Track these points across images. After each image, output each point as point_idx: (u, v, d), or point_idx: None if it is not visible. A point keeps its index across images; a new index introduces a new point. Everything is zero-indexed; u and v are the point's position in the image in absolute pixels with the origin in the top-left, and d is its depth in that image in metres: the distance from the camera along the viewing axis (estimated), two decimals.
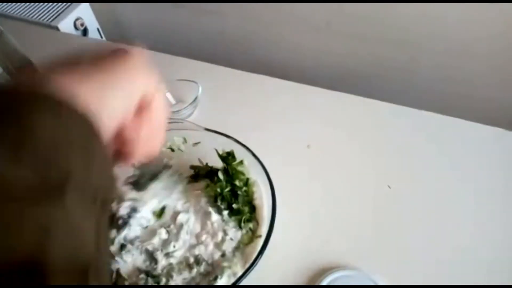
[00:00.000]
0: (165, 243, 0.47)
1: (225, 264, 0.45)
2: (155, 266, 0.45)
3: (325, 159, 0.60)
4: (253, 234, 0.48)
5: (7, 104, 0.19)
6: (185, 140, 0.54)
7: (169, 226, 0.49)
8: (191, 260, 0.46)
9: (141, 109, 0.28)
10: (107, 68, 0.25)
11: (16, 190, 0.17)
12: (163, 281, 0.44)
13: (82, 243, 0.19)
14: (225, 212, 0.49)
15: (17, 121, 0.18)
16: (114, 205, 0.48)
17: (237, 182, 0.50)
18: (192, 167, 0.55)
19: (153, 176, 0.47)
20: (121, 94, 0.25)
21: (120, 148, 0.29)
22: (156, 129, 0.30)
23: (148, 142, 0.30)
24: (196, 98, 0.65)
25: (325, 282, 0.46)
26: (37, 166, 0.18)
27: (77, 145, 0.20)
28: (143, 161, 0.34)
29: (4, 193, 0.17)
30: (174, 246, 0.47)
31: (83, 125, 0.21)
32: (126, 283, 0.44)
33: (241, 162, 0.50)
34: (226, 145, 0.52)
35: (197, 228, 0.49)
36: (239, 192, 0.50)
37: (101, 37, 1.12)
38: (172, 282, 0.44)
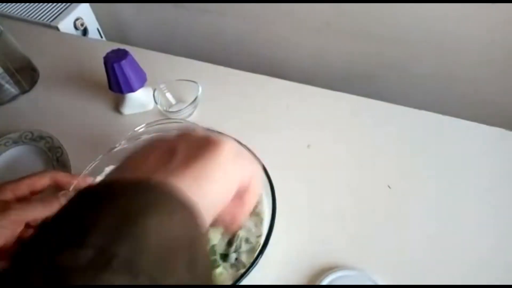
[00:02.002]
0: None
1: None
2: None
3: (325, 159, 0.60)
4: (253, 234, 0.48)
5: (117, 204, 0.20)
6: None
7: None
8: None
9: (240, 194, 0.29)
10: (201, 164, 0.26)
11: None
12: None
13: None
14: None
15: (130, 230, 0.18)
16: None
17: None
18: None
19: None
20: (217, 187, 0.26)
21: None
22: (250, 208, 0.31)
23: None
24: (196, 98, 0.65)
25: (325, 282, 0.46)
26: (151, 275, 0.18)
27: (183, 246, 0.20)
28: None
29: None
30: None
31: (190, 220, 0.21)
32: None
33: None
34: None
35: None
36: None
37: (101, 37, 1.12)
38: None
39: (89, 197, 0.21)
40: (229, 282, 0.43)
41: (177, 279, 0.19)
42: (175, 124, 0.55)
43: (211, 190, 0.25)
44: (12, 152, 0.64)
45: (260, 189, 0.32)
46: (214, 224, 0.27)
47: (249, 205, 0.30)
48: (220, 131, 0.53)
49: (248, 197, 0.30)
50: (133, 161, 0.26)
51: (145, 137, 0.55)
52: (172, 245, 0.20)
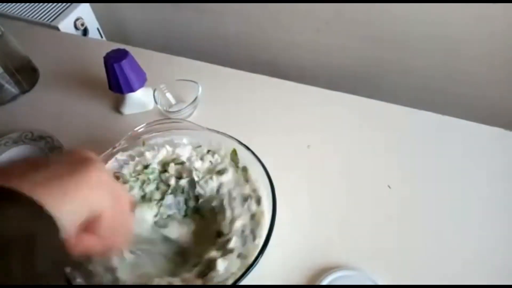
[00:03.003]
0: None
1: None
2: None
3: (325, 159, 0.60)
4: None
5: None
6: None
7: None
8: None
9: (90, 223, 0.30)
10: (63, 178, 0.28)
11: None
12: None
13: None
14: None
15: None
16: None
17: None
18: None
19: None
20: (72, 205, 0.27)
21: None
22: (103, 243, 0.32)
23: (98, 249, 0.33)
24: (196, 98, 0.65)
25: (325, 282, 0.46)
26: None
27: (18, 241, 0.22)
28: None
29: None
30: None
31: (29, 216, 0.23)
32: None
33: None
34: (227, 145, 0.52)
35: None
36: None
37: (101, 37, 1.12)
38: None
39: None
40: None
41: (7, 273, 0.21)
42: (175, 124, 0.55)
43: (60, 207, 0.26)
44: (12, 152, 0.64)
45: (109, 232, 0.32)
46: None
47: (87, 241, 0.31)
48: (220, 130, 0.53)
49: (90, 232, 0.30)
50: (6, 166, 0.28)
51: (144, 136, 0.55)
52: (7, 235, 0.21)
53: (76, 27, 1.02)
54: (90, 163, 0.30)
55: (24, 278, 0.22)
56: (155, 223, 0.50)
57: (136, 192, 0.50)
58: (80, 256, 0.31)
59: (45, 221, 0.24)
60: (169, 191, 0.51)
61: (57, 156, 0.31)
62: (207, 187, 0.50)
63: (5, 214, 0.22)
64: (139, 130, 0.54)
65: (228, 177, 0.51)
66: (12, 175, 0.26)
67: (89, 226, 0.30)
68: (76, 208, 0.28)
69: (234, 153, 0.52)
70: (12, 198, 0.23)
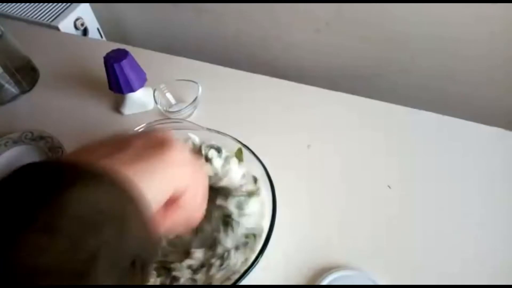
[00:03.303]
0: None
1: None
2: None
3: (325, 159, 0.60)
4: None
5: (48, 178, 0.21)
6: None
7: None
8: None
9: (171, 201, 0.30)
10: (149, 159, 0.28)
11: (47, 274, 0.18)
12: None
13: None
14: None
15: (55, 199, 0.20)
16: None
17: None
18: None
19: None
20: (159, 184, 0.28)
21: None
22: (184, 220, 0.33)
23: (176, 229, 0.34)
24: (196, 98, 0.65)
25: (325, 282, 0.46)
26: (65, 248, 0.19)
27: (110, 215, 0.22)
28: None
29: (34, 278, 0.18)
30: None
31: (119, 193, 0.23)
32: None
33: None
34: (227, 145, 0.52)
35: None
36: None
37: (101, 37, 1.12)
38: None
39: (30, 175, 0.22)
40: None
41: (101, 240, 0.20)
42: (175, 124, 0.55)
43: (149, 186, 0.26)
44: (12, 152, 0.64)
45: (191, 210, 0.33)
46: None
47: (173, 216, 0.31)
48: (220, 130, 0.53)
49: (174, 209, 0.31)
50: (87, 147, 0.28)
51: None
52: (97, 215, 0.21)
53: (76, 27, 1.02)
54: (171, 143, 0.30)
55: (116, 250, 0.21)
56: None
57: None
58: (165, 233, 0.32)
59: (134, 200, 0.24)
60: None
61: (138, 135, 0.31)
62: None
63: (96, 193, 0.22)
64: (139, 130, 0.54)
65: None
66: (99, 154, 0.26)
67: (171, 202, 0.30)
68: (163, 187, 0.28)
69: (239, 151, 0.52)
70: (102, 177, 0.23)
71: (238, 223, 0.45)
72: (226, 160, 0.49)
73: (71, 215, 0.20)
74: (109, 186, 0.22)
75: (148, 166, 0.27)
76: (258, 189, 0.48)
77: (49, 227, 0.19)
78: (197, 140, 0.51)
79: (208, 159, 0.48)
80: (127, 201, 0.23)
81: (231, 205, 0.46)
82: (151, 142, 0.30)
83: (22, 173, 0.22)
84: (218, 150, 0.50)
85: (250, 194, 0.47)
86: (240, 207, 0.46)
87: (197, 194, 0.33)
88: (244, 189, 0.47)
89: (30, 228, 0.19)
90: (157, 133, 0.32)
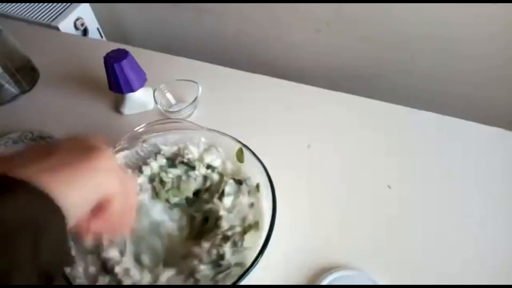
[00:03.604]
0: None
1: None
2: None
3: (325, 159, 0.60)
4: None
5: None
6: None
7: None
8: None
9: (99, 208, 0.30)
10: (73, 165, 0.28)
11: None
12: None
13: None
14: None
15: None
16: None
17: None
18: None
19: None
20: (82, 191, 0.27)
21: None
22: (111, 227, 0.34)
23: (106, 232, 0.35)
24: (196, 98, 0.65)
25: (325, 282, 0.46)
26: None
27: (25, 227, 0.22)
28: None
29: None
30: None
31: (35, 204, 0.23)
32: None
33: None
34: (227, 145, 0.52)
35: None
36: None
37: (101, 37, 1.12)
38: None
39: None
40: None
41: (15, 257, 0.21)
42: (175, 124, 0.55)
43: (71, 194, 0.26)
44: None
45: (117, 217, 0.33)
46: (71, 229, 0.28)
47: (100, 222, 0.31)
48: (220, 130, 0.53)
49: (102, 215, 0.31)
50: (6, 156, 0.28)
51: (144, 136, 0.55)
52: (12, 228, 0.21)
53: (76, 27, 1.02)
54: (99, 150, 0.30)
55: (29, 268, 0.21)
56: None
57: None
58: (89, 241, 0.33)
59: (49, 210, 0.23)
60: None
61: (64, 142, 0.30)
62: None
63: (7, 204, 0.21)
64: (139, 130, 0.54)
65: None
66: (16, 163, 0.26)
67: (98, 210, 0.30)
68: (85, 195, 0.28)
69: (240, 151, 0.52)
70: (14, 187, 0.22)
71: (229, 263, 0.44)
72: (236, 194, 0.49)
73: None
74: (25, 196, 0.22)
75: (71, 173, 0.27)
76: (257, 223, 0.46)
77: None
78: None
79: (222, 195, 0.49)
80: (42, 212, 0.23)
81: (226, 246, 0.44)
82: (77, 149, 0.30)
83: None
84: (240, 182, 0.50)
85: (247, 229, 0.46)
86: (235, 245, 0.45)
87: (126, 202, 0.33)
88: (245, 223, 0.46)
89: None
90: (84, 139, 0.32)
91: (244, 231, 0.46)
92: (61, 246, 0.25)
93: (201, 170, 0.52)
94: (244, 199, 0.48)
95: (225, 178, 0.51)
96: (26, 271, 0.21)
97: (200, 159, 0.52)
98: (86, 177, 0.28)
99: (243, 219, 0.47)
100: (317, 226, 0.53)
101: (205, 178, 0.52)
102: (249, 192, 0.49)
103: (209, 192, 0.51)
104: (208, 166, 0.52)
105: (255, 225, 0.46)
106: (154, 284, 0.43)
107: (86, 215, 0.29)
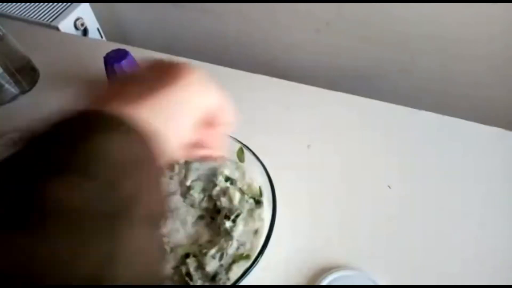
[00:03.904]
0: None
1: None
2: None
3: (325, 159, 0.60)
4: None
5: (74, 127, 0.21)
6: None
7: None
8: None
9: (206, 124, 0.28)
10: (165, 88, 0.25)
11: (83, 216, 0.17)
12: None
13: (147, 266, 0.20)
14: None
15: (83, 145, 0.19)
16: None
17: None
18: None
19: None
20: (181, 114, 0.25)
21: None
22: (219, 141, 0.32)
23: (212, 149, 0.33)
24: None
25: (325, 282, 0.46)
26: (103, 190, 0.18)
27: (141, 167, 0.20)
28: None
29: (71, 219, 0.17)
30: None
31: (146, 147, 0.21)
32: None
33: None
34: (227, 145, 0.52)
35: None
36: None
37: (101, 37, 1.12)
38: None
39: (62, 126, 0.22)
40: None
41: (137, 184, 0.19)
42: None
43: (176, 119, 0.24)
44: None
45: (229, 117, 0.32)
46: (192, 154, 0.27)
47: (220, 131, 0.31)
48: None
49: (218, 123, 0.30)
50: (100, 90, 0.26)
51: None
52: (129, 164, 0.20)
53: (76, 27, 1.02)
54: (185, 67, 0.28)
55: (150, 206, 0.20)
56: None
57: None
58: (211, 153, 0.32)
59: (155, 149, 0.21)
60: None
61: (147, 69, 0.28)
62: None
63: (124, 141, 0.20)
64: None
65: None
66: (106, 96, 0.24)
67: (208, 126, 0.29)
68: (186, 119, 0.26)
69: (240, 151, 0.52)
70: (124, 125, 0.21)
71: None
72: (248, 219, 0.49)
73: (104, 159, 0.19)
74: (131, 133, 0.21)
75: (167, 97, 0.24)
76: (248, 255, 0.45)
77: (83, 170, 0.18)
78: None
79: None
80: (153, 156, 0.21)
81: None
82: (161, 71, 0.27)
83: (56, 125, 0.22)
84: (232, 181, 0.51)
85: (237, 259, 0.45)
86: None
87: (229, 112, 0.31)
88: (239, 251, 0.46)
89: (64, 172, 0.18)
90: (165, 61, 0.29)
91: (234, 261, 0.45)
92: (162, 191, 0.22)
93: (221, 184, 0.50)
94: (253, 225, 0.47)
95: (246, 197, 0.49)
96: (144, 209, 0.19)
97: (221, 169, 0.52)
98: (182, 97, 0.25)
99: (239, 246, 0.46)
100: (317, 226, 0.53)
101: (224, 193, 0.50)
102: (259, 215, 0.48)
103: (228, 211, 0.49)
104: (227, 179, 0.51)
105: (246, 257, 0.44)
106: (154, 284, 0.43)
107: (196, 136, 0.27)
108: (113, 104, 0.22)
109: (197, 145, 0.29)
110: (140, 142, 0.21)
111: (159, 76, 0.26)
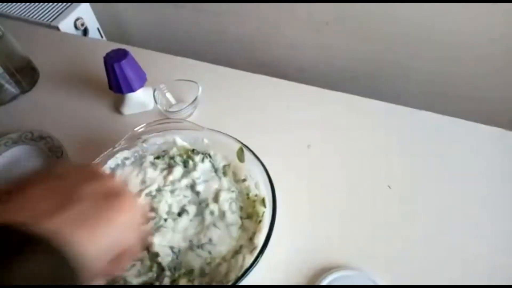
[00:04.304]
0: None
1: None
2: None
3: (325, 159, 0.60)
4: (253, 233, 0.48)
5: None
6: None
7: None
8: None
9: (117, 257, 0.30)
10: (99, 218, 0.27)
11: None
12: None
13: None
14: None
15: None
16: None
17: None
18: None
19: None
20: (105, 247, 0.28)
21: None
22: (127, 263, 0.37)
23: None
24: (196, 98, 0.65)
25: (325, 282, 0.46)
26: None
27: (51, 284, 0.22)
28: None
29: None
30: None
31: (61, 262, 0.23)
32: None
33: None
34: (227, 145, 0.52)
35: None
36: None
37: (101, 37, 1.12)
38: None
39: None
40: None
41: None
42: (175, 124, 0.55)
43: (96, 249, 0.26)
44: (12, 152, 0.64)
45: (129, 260, 0.34)
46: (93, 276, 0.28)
47: (122, 268, 0.34)
48: (220, 130, 0.53)
49: (123, 260, 0.31)
50: (30, 195, 0.27)
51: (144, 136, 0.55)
52: (32, 281, 0.21)
53: (76, 27, 1.02)
54: (121, 198, 0.30)
55: None
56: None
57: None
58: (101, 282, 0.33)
59: (75, 270, 0.24)
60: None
61: (82, 184, 0.29)
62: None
63: (40, 261, 0.22)
64: (139, 130, 0.54)
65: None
66: (43, 210, 0.26)
67: (115, 259, 0.30)
68: (107, 250, 0.28)
69: (240, 151, 0.52)
70: (46, 244, 0.23)
71: None
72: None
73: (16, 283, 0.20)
74: (52, 254, 0.23)
75: (94, 228, 0.27)
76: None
77: None
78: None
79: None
80: (68, 270, 0.23)
81: None
82: (97, 195, 0.29)
83: None
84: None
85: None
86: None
87: (138, 244, 0.33)
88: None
89: None
90: (108, 181, 0.31)
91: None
92: None
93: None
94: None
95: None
96: None
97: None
98: (109, 232, 0.28)
99: None
100: (317, 226, 0.53)
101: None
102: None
103: None
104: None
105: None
106: (154, 284, 0.44)
107: (104, 265, 0.29)
108: (47, 223, 0.24)
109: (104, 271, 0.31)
110: (55, 263, 0.23)
111: (96, 200, 0.28)
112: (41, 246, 0.22)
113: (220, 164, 0.54)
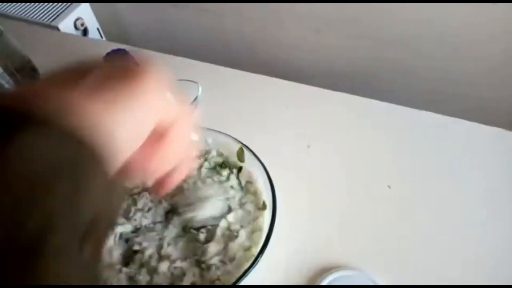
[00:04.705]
0: None
1: None
2: None
3: (325, 159, 0.60)
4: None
5: None
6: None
7: None
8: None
9: (157, 137, 0.24)
10: (120, 87, 0.21)
11: None
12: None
13: None
14: None
15: None
16: None
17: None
18: None
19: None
20: (132, 120, 0.21)
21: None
22: (174, 160, 0.26)
23: (166, 173, 0.27)
24: (196, 98, 0.65)
25: (325, 282, 0.46)
26: (7, 221, 0.14)
27: (63, 175, 0.16)
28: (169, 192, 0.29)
29: None
30: None
31: (75, 142, 0.17)
32: None
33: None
34: (227, 145, 0.52)
35: None
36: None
37: (101, 37, 1.12)
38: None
39: None
40: None
41: (54, 203, 0.16)
42: None
43: (125, 119, 0.20)
44: None
45: (182, 144, 0.26)
46: (124, 168, 0.21)
47: (164, 152, 0.24)
48: (220, 130, 0.53)
49: (161, 146, 0.24)
50: (40, 81, 0.21)
51: None
52: (49, 171, 0.16)
53: (76, 27, 1.02)
54: (146, 69, 0.24)
55: (72, 225, 0.16)
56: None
57: None
58: (149, 176, 0.26)
59: (94, 151, 0.18)
60: None
61: (99, 64, 0.23)
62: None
63: (47, 142, 0.16)
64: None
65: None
66: (53, 86, 0.20)
67: (156, 138, 0.24)
68: (136, 125, 0.21)
69: (240, 151, 0.52)
70: (55, 121, 0.17)
71: None
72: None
73: (16, 172, 0.15)
74: (63, 132, 0.17)
75: (116, 99, 0.20)
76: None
77: None
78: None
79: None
80: (84, 153, 0.17)
81: None
82: (117, 70, 0.23)
83: None
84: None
85: None
86: None
87: (187, 128, 0.26)
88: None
89: None
90: (123, 62, 0.25)
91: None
92: (109, 196, 0.19)
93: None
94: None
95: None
96: (66, 225, 0.16)
97: None
98: (136, 99, 0.21)
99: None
100: (317, 226, 0.53)
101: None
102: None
103: None
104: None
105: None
106: (153, 284, 0.44)
107: (139, 150, 0.22)
108: (55, 97, 0.18)
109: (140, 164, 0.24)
110: (78, 142, 0.17)
111: (113, 74, 0.22)
112: (46, 124, 0.17)
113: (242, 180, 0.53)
